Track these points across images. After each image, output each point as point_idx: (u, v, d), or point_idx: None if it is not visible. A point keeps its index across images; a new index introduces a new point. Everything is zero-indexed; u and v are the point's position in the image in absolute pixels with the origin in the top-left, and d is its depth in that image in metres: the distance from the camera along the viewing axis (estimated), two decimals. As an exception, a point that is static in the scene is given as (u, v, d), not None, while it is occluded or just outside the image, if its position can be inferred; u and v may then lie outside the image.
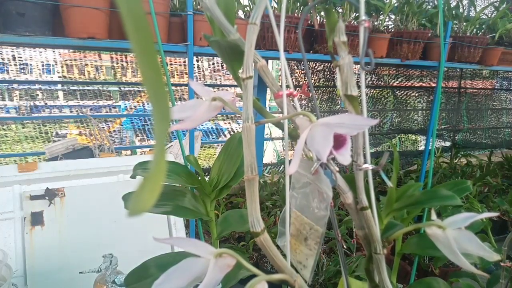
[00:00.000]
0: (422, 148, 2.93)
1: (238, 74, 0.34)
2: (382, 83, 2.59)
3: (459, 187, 0.65)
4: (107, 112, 2.80)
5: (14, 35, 1.01)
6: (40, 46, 1.55)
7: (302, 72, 2.21)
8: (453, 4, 1.82)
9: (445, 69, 2.54)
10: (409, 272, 1.31)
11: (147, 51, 0.12)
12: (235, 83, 0.48)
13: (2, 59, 1.93)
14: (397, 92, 2.69)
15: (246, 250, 1.53)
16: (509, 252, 0.70)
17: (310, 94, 0.38)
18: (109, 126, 2.49)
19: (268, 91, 1.95)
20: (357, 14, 1.56)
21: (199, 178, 0.58)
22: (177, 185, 0.56)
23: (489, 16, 2.12)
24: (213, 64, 2.31)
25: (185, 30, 1.20)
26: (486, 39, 1.82)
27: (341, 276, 0.49)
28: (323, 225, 0.33)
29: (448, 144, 3.02)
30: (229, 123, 2.66)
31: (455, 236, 0.30)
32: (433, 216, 0.32)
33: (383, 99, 2.67)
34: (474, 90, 3.03)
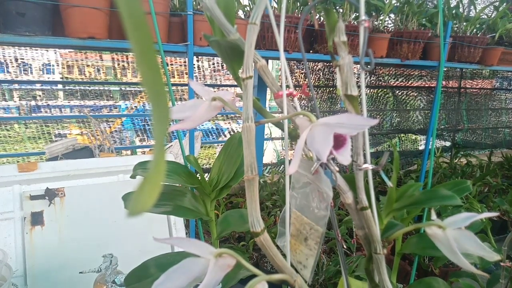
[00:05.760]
0: (422, 148, 2.93)
1: (238, 74, 0.34)
2: (382, 83, 2.59)
3: (459, 187, 0.65)
4: (108, 112, 2.81)
5: (14, 35, 1.01)
6: (40, 46, 1.55)
7: (302, 72, 2.21)
8: (453, 4, 1.82)
9: (445, 69, 2.54)
10: (409, 272, 1.31)
11: (147, 52, 0.12)
12: (235, 83, 0.48)
13: (5, 60, 1.93)
14: (397, 92, 2.69)
15: (246, 250, 1.53)
16: (509, 252, 0.70)
17: (310, 94, 0.38)
18: (110, 127, 2.49)
19: (268, 91, 1.95)
20: (357, 14, 1.56)
21: (199, 178, 0.58)
22: (177, 185, 0.56)
23: (489, 16, 2.12)
24: (213, 64, 2.31)
25: (185, 30, 1.20)
26: (486, 39, 1.82)
27: (341, 276, 0.49)
28: (323, 225, 0.33)
29: (448, 144, 3.02)
30: (229, 123, 2.66)
31: (455, 236, 0.30)
32: (433, 216, 0.32)
33: (383, 99, 2.67)
34: (474, 90, 3.03)
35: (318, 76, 2.33)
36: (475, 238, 0.30)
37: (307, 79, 0.41)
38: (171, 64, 2.54)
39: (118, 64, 2.37)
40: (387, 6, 1.57)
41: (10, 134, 2.17)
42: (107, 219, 1.03)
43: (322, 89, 2.37)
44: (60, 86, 2.85)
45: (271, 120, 0.32)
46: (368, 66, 0.31)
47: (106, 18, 1.11)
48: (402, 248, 0.62)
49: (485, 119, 3.11)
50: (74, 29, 1.07)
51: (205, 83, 2.20)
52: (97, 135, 1.34)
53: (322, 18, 1.57)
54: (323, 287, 1.31)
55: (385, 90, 2.64)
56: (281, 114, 0.32)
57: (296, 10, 1.45)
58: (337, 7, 1.57)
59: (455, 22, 1.82)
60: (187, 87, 1.96)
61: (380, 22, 1.62)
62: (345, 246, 1.40)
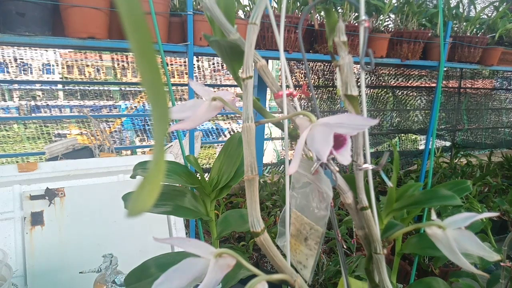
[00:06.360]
0: (422, 148, 2.93)
1: (238, 74, 0.34)
2: (382, 83, 2.59)
3: (459, 187, 0.65)
4: (108, 112, 2.80)
5: (14, 35, 1.01)
6: (40, 46, 1.55)
7: (302, 72, 2.21)
8: (453, 4, 1.82)
9: (445, 69, 2.54)
10: (409, 272, 1.31)
11: (146, 52, 0.12)
12: (235, 83, 0.48)
13: (4, 60, 1.93)
14: (397, 92, 2.69)
15: (246, 250, 1.53)
16: (509, 252, 0.70)
17: (310, 94, 0.38)
18: (109, 127, 2.49)
19: (268, 91, 1.95)
20: (357, 14, 1.56)
21: (199, 178, 0.58)
22: (177, 185, 0.56)
23: (489, 16, 2.12)
24: (213, 64, 2.31)
25: (185, 30, 1.20)
26: (486, 39, 1.82)
27: (341, 276, 0.49)
28: (323, 225, 0.33)
29: (448, 144, 3.02)
30: (229, 123, 2.66)
31: (455, 236, 0.30)
32: (433, 216, 0.32)
33: (383, 99, 2.67)
34: (474, 90, 3.03)
35: (318, 76, 2.33)
36: (475, 238, 0.30)
37: (307, 79, 0.41)
38: (171, 64, 2.54)
39: (118, 64, 2.37)
40: (387, 6, 1.57)
41: (9, 134, 2.17)
42: (107, 219, 1.03)
43: (322, 89, 2.37)
44: (59, 86, 2.85)
45: (271, 120, 0.32)
46: (368, 66, 0.31)
47: (106, 18, 1.11)
48: (402, 248, 0.62)
49: (485, 119, 3.11)
50: (74, 29, 1.07)
51: (205, 83, 2.20)
52: (97, 135, 1.34)
53: (322, 18, 1.57)
54: (323, 287, 1.31)
55: (385, 90, 2.64)
56: (281, 114, 0.32)
57: (296, 10, 1.45)
58: (337, 7, 1.57)
59: (455, 22, 1.82)
60: (187, 87, 1.96)
61: (380, 22, 1.62)
62: (345, 246, 1.40)
